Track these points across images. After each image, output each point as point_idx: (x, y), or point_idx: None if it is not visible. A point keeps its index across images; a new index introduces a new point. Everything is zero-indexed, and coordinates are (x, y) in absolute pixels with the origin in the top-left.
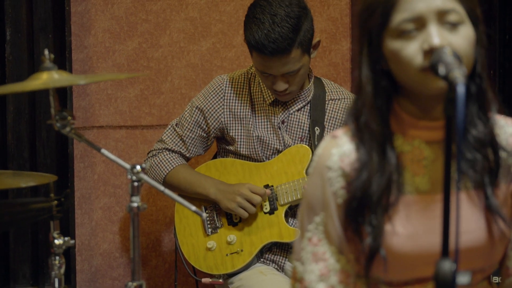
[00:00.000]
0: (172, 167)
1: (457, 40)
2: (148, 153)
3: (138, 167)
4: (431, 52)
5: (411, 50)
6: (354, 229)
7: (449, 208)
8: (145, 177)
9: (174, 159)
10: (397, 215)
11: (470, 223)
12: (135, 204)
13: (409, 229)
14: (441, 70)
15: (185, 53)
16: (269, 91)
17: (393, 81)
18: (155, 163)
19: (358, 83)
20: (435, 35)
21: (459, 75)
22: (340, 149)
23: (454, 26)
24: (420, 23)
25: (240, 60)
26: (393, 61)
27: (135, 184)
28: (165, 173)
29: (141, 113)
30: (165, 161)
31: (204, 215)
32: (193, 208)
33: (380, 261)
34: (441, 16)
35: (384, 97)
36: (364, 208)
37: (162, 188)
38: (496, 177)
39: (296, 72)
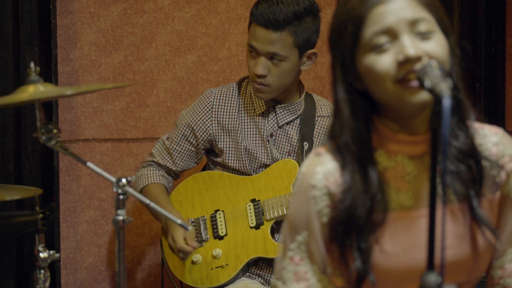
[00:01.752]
0: (145, 184)
1: (431, 47)
2: (142, 163)
3: (124, 180)
4: (406, 63)
5: (386, 62)
6: (340, 254)
7: (435, 222)
8: (130, 190)
9: (153, 176)
10: (383, 233)
11: (453, 238)
12: (120, 218)
13: (395, 247)
14: (427, 83)
15: (171, 66)
16: (260, 101)
17: (370, 100)
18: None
19: (335, 106)
20: (410, 45)
21: (445, 88)
22: (324, 167)
23: (425, 35)
24: (392, 35)
25: (226, 73)
26: (368, 77)
27: (121, 197)
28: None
29: (126, 126)
30: (145, 176)
31: (190, 228)
32: (179, 221)
33: (369, 282)
34: (412, 26)
35: (362, 118)
36: (350, 231)
37: (147, 201)
38: (480, 187)
39: (280, 61)
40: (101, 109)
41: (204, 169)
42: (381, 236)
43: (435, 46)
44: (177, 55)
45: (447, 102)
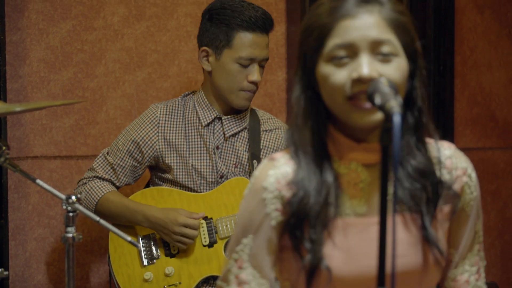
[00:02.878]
0: (102, 194)
1: (387, 71)
2: (78, 182)
3: (73, 198)
4: (359, 82)
5: (340, 77)
6: (293, 247)
7: (386, 234)
8: (80, 207)
9: (104, 186)
10: (335, 237)
11: (404, 247)
12: (70, 235)
13: (347, 252)
14: (377, 100)
15: (121, 83)
16: (205, 113)
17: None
18: (85, 190)
19: (293, 109)
20: (365, 65)
21: (395, 105)
22: (277, 170)
23: (386, 57)
24: (352, 50)
25: (175, 91)
26: (323, 86)
27: (70, 214)
28: (96, 201)
29: (76, 143)
30: (95, 188)
31: (140, 245)
32: (129, 238)
33: (321, 282)
34: (375, 46)
35: (318, 119)
36: (302, 223)
37: (97, 218)
38: (434, 207)
39: (266, 62)
40: (50, 126)
41: (147, 185)
42: (334, 239)
43: (392, 70)
44: (127, 72)
45: (397, 119)
